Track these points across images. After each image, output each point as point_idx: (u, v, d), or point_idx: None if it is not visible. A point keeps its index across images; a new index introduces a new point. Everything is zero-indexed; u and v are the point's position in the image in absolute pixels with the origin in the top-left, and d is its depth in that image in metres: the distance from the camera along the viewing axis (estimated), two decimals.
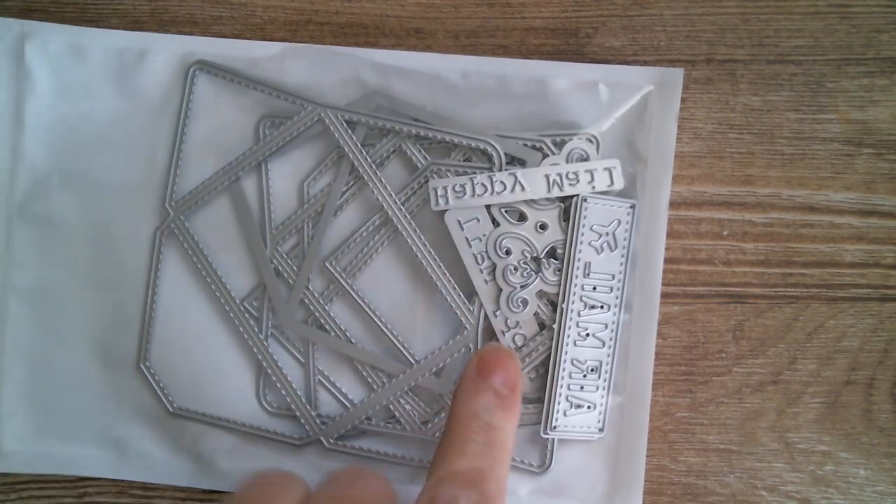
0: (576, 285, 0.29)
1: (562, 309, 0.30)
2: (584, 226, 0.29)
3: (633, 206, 0.30)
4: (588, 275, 0.30)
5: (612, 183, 0.30)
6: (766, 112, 0.31)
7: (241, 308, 0.31)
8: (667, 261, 0.31)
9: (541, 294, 0.30)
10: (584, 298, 0.30)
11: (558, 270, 0.30)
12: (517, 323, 0.30)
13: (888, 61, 0.31)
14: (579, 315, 0.30)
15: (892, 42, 0.31)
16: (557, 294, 0.30)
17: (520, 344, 0.30)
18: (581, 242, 0.29)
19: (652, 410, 0.31)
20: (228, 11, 0.32)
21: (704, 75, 0.31)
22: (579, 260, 0.29)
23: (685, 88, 0.31)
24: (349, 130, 0.30)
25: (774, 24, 0.31)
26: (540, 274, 0.30)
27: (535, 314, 0.30)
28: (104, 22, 0.32)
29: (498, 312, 0.30)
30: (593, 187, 0.30)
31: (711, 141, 0.31)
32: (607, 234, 0.30)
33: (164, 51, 0.31)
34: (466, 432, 0.24)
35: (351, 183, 0.31)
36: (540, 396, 0.30)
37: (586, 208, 0.29)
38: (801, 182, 0.31)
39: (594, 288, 0.30)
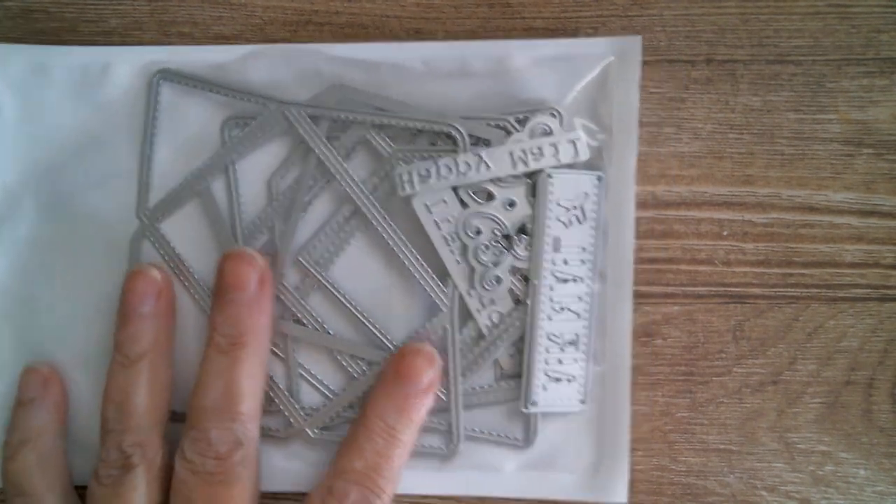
0: (546, 260, 0.30)
1: (534, 285, 0.30)
2: (550, 201, 0.29)
3: (599, 178, 0.30)
4: (558, 249, 0.30)
5: (576, 154, 0.30)
6: (766, 112, 0.31)
7: None
8: (667, 261, 0.31)
9: (514, 270, 0.30)
10: (555, 273, 0.30)
11: (529, 246, 0.30)
12: (492, 300, 0.30)
13: (888, 61, 0.31)
14: (552, 290, 0.30)
15: (892, 42, 0.31)
16: (529, 268, 0.30)
17: (496, 321, 0.30)
18: (549, 218, 0.30)
19: (652, 410, 0.31)
20: (228, 12, 0.32)
21: (704, 75, 0.31)
22: (548, 235, 0.30)
23: (685, 88, 0.31)
24: (313, 125, 0.31)
25: (774, 24, 0.31)
26: (511, 251, 0.30)
27: (509, 290, 0.30)
28: (104, 22, 0.32)
29: (472, 292, 0.30)
30: (558, 160, 0.30)
31: (711, 141, 0.31)
32: (575, 207, 0.30)
33: (127, 62, 0.31)
34: (370, 433, 0.28)
35: (318, 177, 0.31)
36: (519, 372, 0.30)
37: (552, 183, 0.29)
38: (801, 182, 0.31)
39: (565, 262, 0.30)
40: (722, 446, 0.31)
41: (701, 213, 0.31)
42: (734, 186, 0.31)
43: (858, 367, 0.31)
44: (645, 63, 0.31)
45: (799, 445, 0.31)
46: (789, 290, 0.31)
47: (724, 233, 0.31)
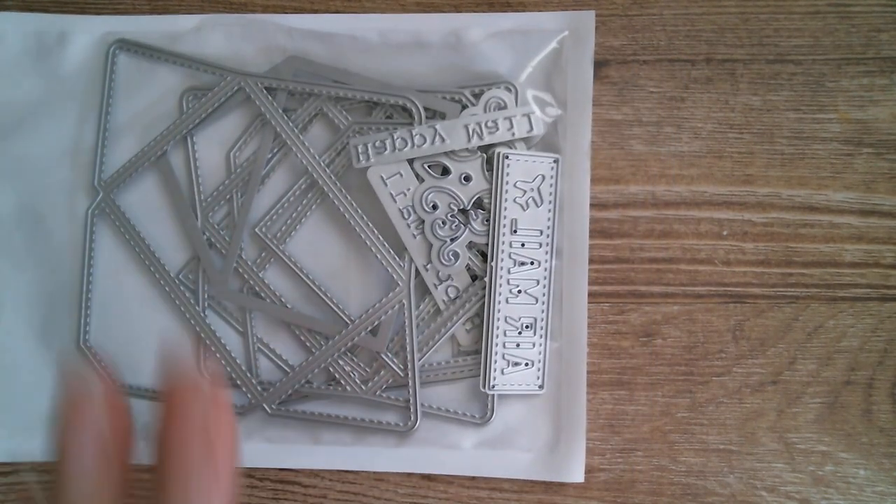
0: (503, 242, 0.30)
1: (491, 267, 0.30)
2: (507, 182, 0.30)
3: (556, 161, 0.30)
4: (515, 231, 0.30)
5: (531, 128, 0.30)
6: (766, 112, 0.31)
7: (177, 282, 0.31)
8: (667, 261, 0.31)
9: (471, 245, 0.30)
10: (513, 255, 0.30)
11: (486, 220, 0.30)
12: (449, 276, 0.30)
13: (888, 61, 0.31)
14: (509, 272, 0.30)
15: (892, 42, 0.31)
16: (487, 244, 0.30)
17: (453, 296, 0.30)
18: (506, 200, 0.30)
19: (652, 410, 0.31)
20: (228, 12, 0.32)
21: (704, 75, 0.31)
22: (505, 217, 0.30)
23: (685, 88, 0.31)
24: (269, 97, 0.31)
25: (774, 23, 0.31)
26: (468, 226, 0.30)
27: (466, 266, 0.30)
28: None
29: (429, 266, 0.30)
30: (513, 134, 0.30)
31: (711, 141, 0.31)
32: (532, 189, 0.30)
33: (84, 32, 0.31)
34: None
35: (276, 149, 0.31)
36: (477, 349, 0.30)
37: (508, 165, 0.30)
38: (801, 182, 0.31)
39: (522, 244, 0.30)
40: (722, 446, 0.31)
41: (701, 212, 0.31)
42: (734, 186, 0.31)
43: (858, 367, 0.31)
44: (645, 62, 0.31)
45: (799, 445, 0.31)
46: (789, 289, 0.31)
47: (724, 233, 0.31)
